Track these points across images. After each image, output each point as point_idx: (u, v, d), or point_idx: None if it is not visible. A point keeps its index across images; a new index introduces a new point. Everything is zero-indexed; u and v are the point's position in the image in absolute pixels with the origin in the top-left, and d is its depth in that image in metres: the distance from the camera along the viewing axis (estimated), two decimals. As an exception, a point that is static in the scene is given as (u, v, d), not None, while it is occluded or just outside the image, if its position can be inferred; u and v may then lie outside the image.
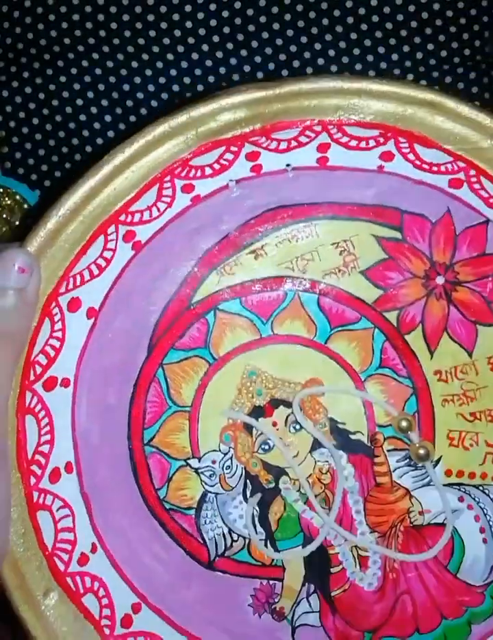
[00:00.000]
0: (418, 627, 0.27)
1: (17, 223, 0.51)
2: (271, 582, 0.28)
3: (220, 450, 0.28)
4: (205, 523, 0.28)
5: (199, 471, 0.28)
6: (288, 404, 0.28)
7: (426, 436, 0.29)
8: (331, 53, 0.51)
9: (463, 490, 0.29)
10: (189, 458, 0.28)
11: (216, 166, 0.27)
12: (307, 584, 0.28)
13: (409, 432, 0.29)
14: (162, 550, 0.28)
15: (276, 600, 0.28)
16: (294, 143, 0.27)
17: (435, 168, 0.27)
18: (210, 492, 0.28)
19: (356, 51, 0.51)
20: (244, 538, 0.28)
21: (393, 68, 0.51)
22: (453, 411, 0.29)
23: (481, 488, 0.29)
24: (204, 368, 0.28)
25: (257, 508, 0.28)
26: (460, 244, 0.29)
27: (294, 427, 0.28)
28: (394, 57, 0.51)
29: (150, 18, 0.51)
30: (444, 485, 0.29)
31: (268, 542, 0.28)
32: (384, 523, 0.28)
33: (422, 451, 0.29)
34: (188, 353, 0.28)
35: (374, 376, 0.29)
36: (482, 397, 0.29)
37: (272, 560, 0.28)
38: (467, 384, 0.29)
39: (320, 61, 0.51)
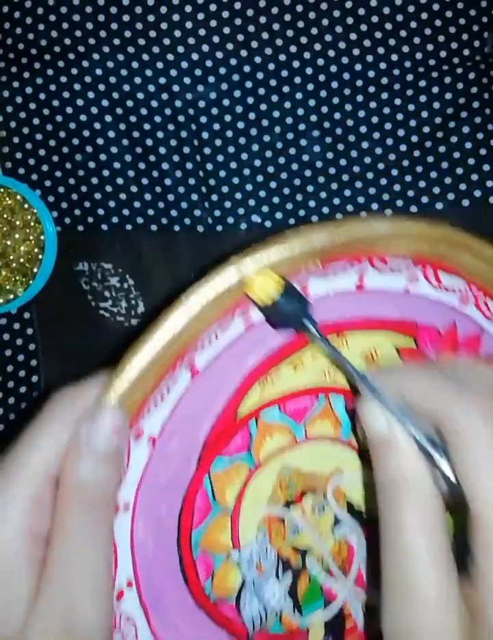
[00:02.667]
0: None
1: (18, 223, 0.51)
2: (298, 645, 0.32)
3: (256, 540, 0.31)
4: (244, 606, 0.31)
5: (239, 562, 0.31)
6: (314, 491, 0.31)
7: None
8: (331, 53, 0.51)
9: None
10: (231, 551, 0.31)
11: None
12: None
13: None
14: (210, 635, 0.31)
15: (303, 660, 0.32)
16: (340, 271, 0.28)
17: (451, 290, 0.30)
18: (248, 578, 0.31)
19: (356, 52, 0.51)
20: (276, 611, 0.31)
21: (392, 68, 0.52)
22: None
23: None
24: (246, 471, 0.30)
25: (289, 584, 0.31)
26: (461, 349, 0.32)
27: (320, 511, 0.32)
28: (394, 57, 0.52)
29: (151, 18, 0.52)
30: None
31: (296, 610, 0.32)
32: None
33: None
34: (233, 460, 0.30)
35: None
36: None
37: (298, 626, 0.32)
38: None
39: (320, 61, 0.51)
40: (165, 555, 0.30)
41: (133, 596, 0.29)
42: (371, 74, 0.52)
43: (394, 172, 0.52)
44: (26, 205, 0.52)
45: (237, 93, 0.52)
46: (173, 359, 0.26)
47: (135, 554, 0.28)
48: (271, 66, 0.52)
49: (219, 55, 0.52)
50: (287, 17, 0.52)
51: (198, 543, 0.30)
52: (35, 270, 0.52)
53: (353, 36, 0.52)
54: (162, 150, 0.52)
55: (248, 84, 0.52)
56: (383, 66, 0.52)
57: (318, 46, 0.52)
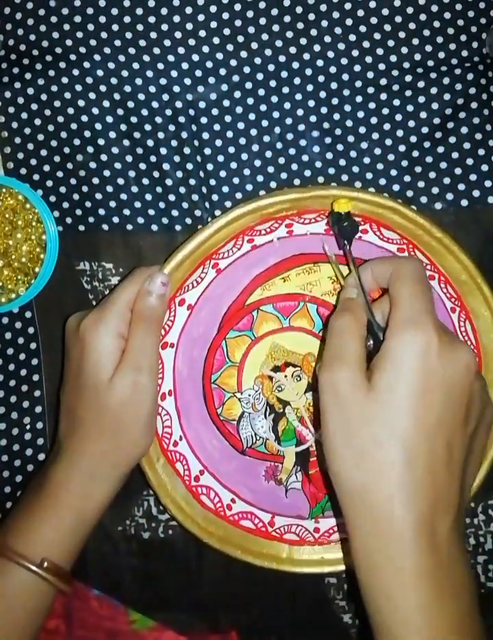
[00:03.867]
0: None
1: (20, 222, 0.60)
2: (276, 463, 0.60)
3: (253, 388, 0.59)
4: (242, 428, 0.59)
5: (241, 399, 0.59)
6: (295, 365, 0.60)
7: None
8: (330, 54, 0.60)
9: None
10: (236, 392, 0.59)
11: (268, 230, 0.57)
12: (296, 466, 0.60)
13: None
14: (217, 442, 0.59)
15: (278, 474, 0.60)
16: (312, 220, 0.58)
17: (390, 241, 0.58)
18: (246, 411, 0.59)
19: (355, 53, 0.60)
20: (263, 438, 0.59)
21: (391, 69, 0.60)
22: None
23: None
24: (248, 342, 0.59)
25: (272, 423, 0.60)
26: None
27: (298, 378, 0.60)
28: (393, 58, 0.60)
29: (152, 20, 0.60)
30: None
31: (276, 441, 0.60)
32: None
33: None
34: (241, 333, 0.59)
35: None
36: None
37: (278, 451, 0.60)
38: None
39: (319, 62, 0.60)
40: (193, 382, 0.58)
41: (171, 400, 0.58)
42: (370, 75, 0.60)
43: (393, 172, 0.60)
44: (27, 205, 0.59)
45: (237, 94, 0.60)
46: (203, 258, 0.56)
47: (175, 375, 0.57)
48: (271, 67, 0.60)
49: (219, 56, 0.60)
50: (287, 19, 0.60)
51: (215, 381, 0.59)
52: (36, 269, 0.60)
53: (352, 38, 0.60)
54: (163, 150, 0.60)
55: (248, 85, 0.60)
56: (381, 67, 0.60)
57: (317, 48, 0.60)
